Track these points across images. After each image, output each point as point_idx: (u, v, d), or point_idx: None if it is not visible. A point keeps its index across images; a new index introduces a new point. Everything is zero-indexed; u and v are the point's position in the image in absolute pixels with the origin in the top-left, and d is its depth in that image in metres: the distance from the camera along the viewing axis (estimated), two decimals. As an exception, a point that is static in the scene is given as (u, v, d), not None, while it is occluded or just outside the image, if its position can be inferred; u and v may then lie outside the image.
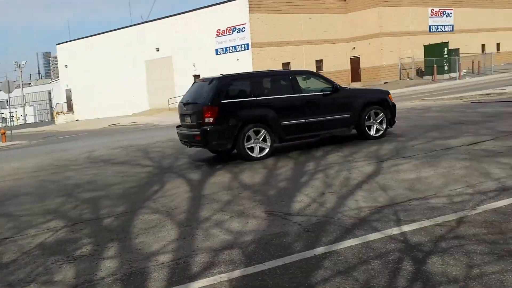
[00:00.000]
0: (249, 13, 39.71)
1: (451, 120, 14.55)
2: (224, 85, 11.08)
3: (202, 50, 43.39)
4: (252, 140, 10.90)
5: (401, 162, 8.98)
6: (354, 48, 46.83)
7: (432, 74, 42.92)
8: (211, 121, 10.59)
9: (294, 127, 11.32)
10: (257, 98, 11.19)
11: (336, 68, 46.08)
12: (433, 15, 50.69)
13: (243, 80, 11.72)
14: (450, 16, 52.55)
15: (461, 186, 6.81)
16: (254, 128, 10.90)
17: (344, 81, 46.87)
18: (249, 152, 10.87)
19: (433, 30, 50.55)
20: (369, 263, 4.43)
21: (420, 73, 46.20)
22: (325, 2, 46.62)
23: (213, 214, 6.72)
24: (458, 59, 43.33)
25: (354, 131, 12.28)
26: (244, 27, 40.32)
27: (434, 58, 43.15)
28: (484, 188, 6.55)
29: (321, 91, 11.92)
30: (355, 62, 47.35)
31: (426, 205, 6.09)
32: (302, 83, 12.02)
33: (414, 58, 45.57)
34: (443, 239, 4.81)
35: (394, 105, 12.62)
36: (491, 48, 54.57)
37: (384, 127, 12.26)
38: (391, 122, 12.43)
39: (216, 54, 42.87)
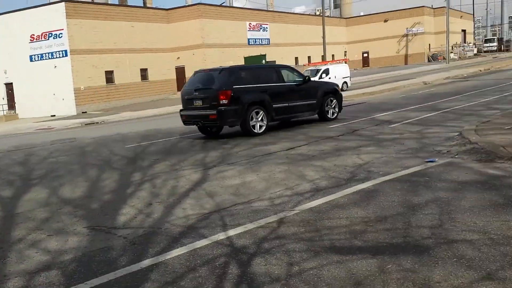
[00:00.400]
0: (67, 18, 37.34)
1: (271, 127, 15.44)
2: (233, 73, 13.55)
3: (13, 56, 39.63)
4: (254, 120, 13.37)
5: (227, 168, 9.22)
6: (178, 58, 47.19)
7: (252, 84, 45.20)
8: (226, 102, 12.89)
9: (281, 109, 14.02)
10: (256, 85, 13.67)
11: (162, 77, 45.93)
12: (251, 29, 53.72)
13: (245, 71, 14.37)
14: (266, 31, 56.25)
15: (281, 188, 7.21)
16: (256, 110, 13.39)
17: (170, 91, 46.97)
18: (253, 129, 13.31)
19: (252, 43, 53.57)
20: (196, 270, 4.40)
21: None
22: (147, 12, 46.24)
23: (28, 234, 6.08)
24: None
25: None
26: (61, 33, 37.76)
27: (255, 70, 45.55)
28: (301, 190, 7.02)
29: (295, 81, 14.76)
30: (180, 72, 47.73)
31: (250, 208, 6.31)
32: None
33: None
34: (266, 240, 5.01)
35: (341, 95, 16.01)
36: (303, 61, 59.60)
37: (337, 110, 15.54)
38: (340, 108, 15.66)
39: (31, 60, 39.46)
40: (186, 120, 14.27)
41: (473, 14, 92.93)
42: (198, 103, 13.64)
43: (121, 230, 5.90)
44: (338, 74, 32.11)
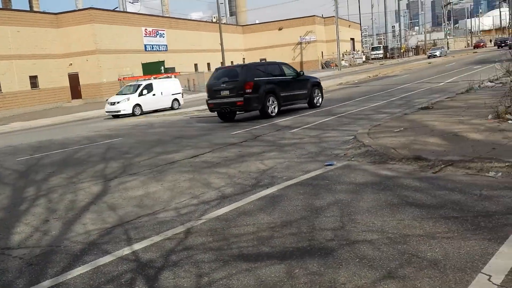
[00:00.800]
0: None
1: (173, 135, 15.26)
2: (252, 68, 17.41)
3: None
4: (269, 105, 16.85)
5: (129, 179, 8.95)
6: (71, 64, 45.10)
7: (152, 91, 44.44)
8: (250, 91, 16.37)
9: (285, 97, 17.54)
10: (269, 78, 17.20)
11: (54, 84, 43.63)
12: (147, 35, 52.76)
13: (260, 66, 18.33)
14: (163, 37, 55.56)
15: (186, 198, 7.13)
16: (271, 97, 16.93)
17: (64, 99, 44.72)
18: (270, 113, 16.87)
19: (149, 49, 52.61)
20: (102, 289, 4.21)
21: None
22: (34, 16, 43.67)
23: None
24: (175, 77, 45.98)
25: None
26: None
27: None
28: (207, 198, 6.99)
29: (292, 75, 18.41)
30: (74, 79, 45.63)
31: (156, 220, 6.16)
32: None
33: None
34: (173, 252, 4.91)
35: (322, 86, 19.80)
36: (202, 67, 59.67)
37: (320, 100, 19.26)
38: (322, 97, 19.48)
39: None
40: (214, 107, 17.57)
41: (360, 24, 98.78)
42: (225, 93, 16.98)
43: (16, 251, 5.50)
44: (165, 90, 28.18)
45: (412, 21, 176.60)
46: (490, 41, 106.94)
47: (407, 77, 32.00)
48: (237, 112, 18.00)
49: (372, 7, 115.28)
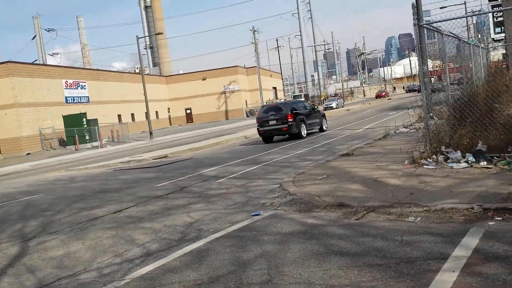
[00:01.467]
0: None
1: (96, 189, 14.71)
2: (292, 104, 25.47)
3: None
4: (302, 129, 23.90)
5: (48, 238, 8.45)
6: (-12, 118, 42.89)
7: (75, 143, 43.15)
8: (291, 120, 23.22)
9: (308, 124, 24.79)
10: (299, 110, 24.36)
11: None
12: (68, 87, 51.55)
13: (294, 103, 26.44)
14: (85, 88, 54.48)
15: (109, 256, 6.80)
16: (302, 124, 23.97)
17: (-23, 153, 42.13)
18: (302, 135, 23.88)
19: (70, 101, 51.28)
20: None
21: (63, 143, 45.76)
22: None
23: None
24: (98, 128, 44.98)
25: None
26: None
27: (75, 128, 43.59)
28: (131, 256, 6.70)
29: (309, 109, 26.37)
30: (-8, 132, 43.32)
31: (76, 282, 5.82)
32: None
33: (55, 128, 45.00)
34: (95, 319, 4.62)
35: (325, 116, 28.62)
36: (127, 118, 58.78)
37: (326, 126, 27.21)
38: (326, 125, 27.68)
39: None
40: (264, 132, 24.41)
41: (281, 73, 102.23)
42: (273, 122, 23.88)
43: None
44: None
45: (330, 70, 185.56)
46: (403, 87, 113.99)
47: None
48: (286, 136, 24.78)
49: (291, 58, 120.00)
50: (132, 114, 62.67)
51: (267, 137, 24.40)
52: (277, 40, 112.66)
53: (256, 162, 16.31)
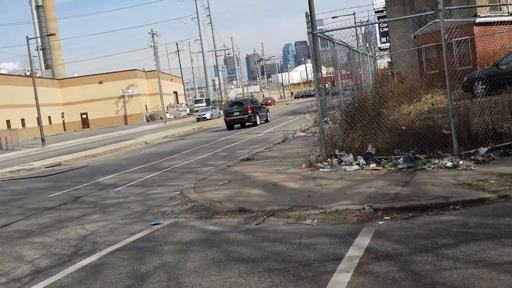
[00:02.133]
0: None
1: None
2: (250, 100, 34.92)
3: None
4: (257, 119, 32.39)
5: None
6: None
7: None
8: (250, 112, 31.41)
9: (260, 115, 33.00)
10: (254, 105, 33.12)
11: None
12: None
13: (251, 100, 35.36)
14: (-31, 91, 50.18)
15: (-7, 277, 6.26)
16: (257, 115, 32.47)
17: None
18: (257, 123, 32.12)
19: None
20: None
21: None
22: None
23: None
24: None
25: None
26: None
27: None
28: (18, 274, 6.22)
29: (260, 104, 36.52)
30: None
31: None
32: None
33: None
34: None
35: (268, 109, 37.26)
36: (16, 124, 55.02)
37: (270, 118, 35.30)
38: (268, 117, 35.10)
39: None
40: (230, 121, 32.09)
41: (182, 77, 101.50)
42: (237, 113, 31.68)
43: None
44: None
45: (230, 75, 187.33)
46: (291, 93, 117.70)
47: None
48: (243, 125, 32.35)
49: (192, 62, 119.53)
50: (22, 120, 58.78)
51: (231, 125, 32.37)
52: (177, 44, 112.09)
53: (157, 168, 15.96)
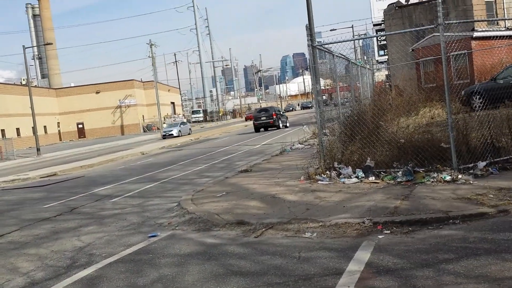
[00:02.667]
0: None
1: None
2: (274, 108, 44.65)
3: None
4: (280, 123, 39.62)
5: None
6: None
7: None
8: (275, 117, 39.04)
9: (282, 121, 39.98)
10: (278, 112, 41.45)
11: None
12: None
13: (275, 108, 45.05)
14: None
15: (-13, 289, 6.16)
16: (281, 119, 40.16)
17: None
18: (280, 126, 39.20)
19: None
20: None
21: None
22: None
23: None
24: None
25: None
26: None
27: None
28: (13, 287, 6.13)
29: (282, 112, 45.75)
30: None
31: None
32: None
33: None
34: None
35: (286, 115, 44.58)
36: (11, 133, 54.85)
37: (288, 124, 41.26)
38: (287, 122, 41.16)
39: None
40: (258, 125, 38.97)
41: (179, 88, 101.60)
42: (264, 118, 39.08)
43: None
44: None
45: (228, 86, 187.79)
46: (298, 105, 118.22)
47: (227, 140, 33.42)
48: (267, 128, 39.34)
49: (190, 73, 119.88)
50: (18, 129, 58.64)
51: (259, 127, 39.20)
52: (175, 54, 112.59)
53: (154, 179, 15.88)
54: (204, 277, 5.55)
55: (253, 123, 40.34)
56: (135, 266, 6.35)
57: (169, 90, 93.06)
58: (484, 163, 9.22)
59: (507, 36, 20.68)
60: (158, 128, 67.16)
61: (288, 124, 40.83)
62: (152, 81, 73.13)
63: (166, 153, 28.31)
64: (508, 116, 10.32)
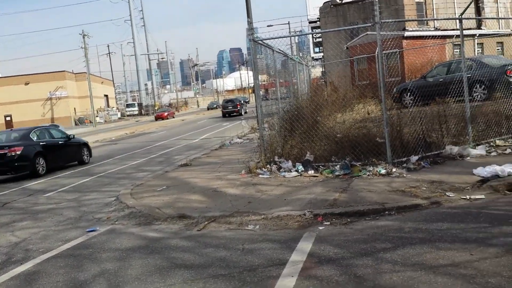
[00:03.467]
0: None
1: None
2: (239, 98, 58.84)
3: None
4: (242, 111, 47.74)
5: None
6: None
7: None
8: (239, 107, 48.13)
9: (243, 109, 49.20)
10: (241, 102, 51.12)
11: None
12: None
13: (239, 99, 57.89)
14: None
15: None
16: (242, 109, 48.51)
17: None
18: (243, 113, 46.31)
19: None
20: None
21: None
22: None
23: None
24: None
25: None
26: None
27: None
28: None
29: (243, 101, 55.69)
30: None
31: None
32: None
33: None
34: None
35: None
36: None
37: (247, 111, 46.37)
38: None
39: None
40: (225, 112, 47.85)
41: (113, 81, 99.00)
42: (230, 107, 48.37)
43: None
44: None
45: (164, 80, 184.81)
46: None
47: (164, 134, 32.96)
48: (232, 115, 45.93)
49: (124, 65, 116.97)
50: None
51: (226, 113, 47.39)
52: (108, 46, 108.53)
53: (89, 173, 15.43)
54: (147, 271, 5.51)
55: (222, 111, 49.04)
56: (75, 261, 6.19)
57: (102, 82, 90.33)
58: (416, 157, 9.69)
59: (436, 36, 21.74)
60: (90, 121, 65.15)
61: (246, 111, 46.96)
62: (84, 72, 70.75)
63: (100, 147, 27.53)
64: (438, 113, 10.90)
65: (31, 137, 16.59)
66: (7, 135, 17.25)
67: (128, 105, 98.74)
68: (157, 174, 13.03)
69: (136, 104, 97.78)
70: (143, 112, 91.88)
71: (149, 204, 8.96)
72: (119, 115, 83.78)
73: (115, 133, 40.95)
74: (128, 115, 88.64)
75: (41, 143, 16.48)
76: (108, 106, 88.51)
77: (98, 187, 12.38)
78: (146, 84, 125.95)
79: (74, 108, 75.16)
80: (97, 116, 68.05)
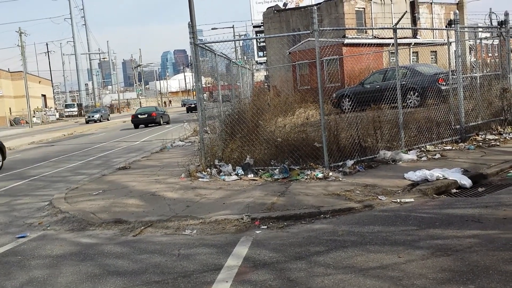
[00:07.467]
0: None
1: None
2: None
3: None
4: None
5: None
6: None
7: None
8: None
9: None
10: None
11: None
12: None
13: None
14: None
15: None
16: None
17: None
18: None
19: None
20: None
21: None
22: None
23: None
24: None
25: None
26: None
27: None
28: None
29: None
30: None
31: None
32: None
33: None
34: None
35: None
36: None
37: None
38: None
39: None
40: (189, 109, 54.89)
41: (52, 80, 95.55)
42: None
43: None
44: None
45: (105, 80, 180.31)
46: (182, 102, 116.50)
47: (103, 136, 32.15)
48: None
49: (63, 64, 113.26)
50: None
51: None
52: (47, 44, 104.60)
53: (23, 177, 14.80)
54: (78, 279, 5.35)
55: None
56: (2, 268, 5.92)
57: (40, 81, 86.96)
58: (352, 162, 9.97)
59: (374, 44, 22.46)
60: (27, 122, 62.56)
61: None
62: (21, 71, 67.88)
63: (36, 149, 26.49)
64: (373, 118, 11.26)
65: None
66: None
67: (67, 106, 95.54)
68: (94, 177, 12.69)
69: (75, 105, 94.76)
70: (82, 113, 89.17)
71: (83, 208, 8.72)
72: (57, 116, 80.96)
73: (52, 134, 39.52)
74: (67, 116, 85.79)
75: None
76: (46, 106, 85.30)
77: (31, 191, 11.90)
78: (86, 84, 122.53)
79: (10, 108, 71.94)
80: (34, 117, 65.42)
